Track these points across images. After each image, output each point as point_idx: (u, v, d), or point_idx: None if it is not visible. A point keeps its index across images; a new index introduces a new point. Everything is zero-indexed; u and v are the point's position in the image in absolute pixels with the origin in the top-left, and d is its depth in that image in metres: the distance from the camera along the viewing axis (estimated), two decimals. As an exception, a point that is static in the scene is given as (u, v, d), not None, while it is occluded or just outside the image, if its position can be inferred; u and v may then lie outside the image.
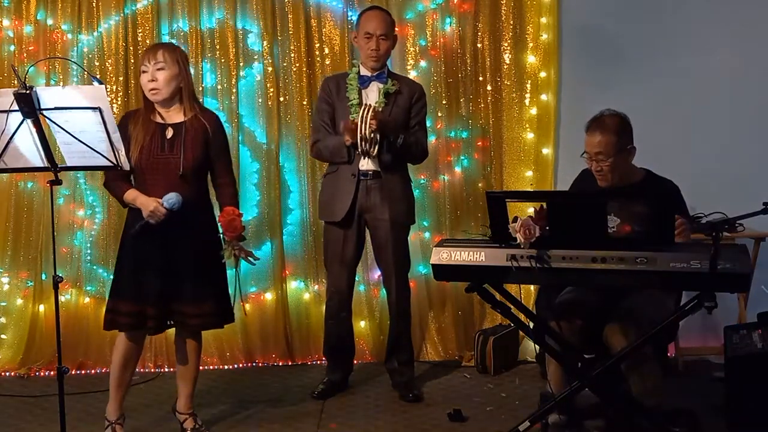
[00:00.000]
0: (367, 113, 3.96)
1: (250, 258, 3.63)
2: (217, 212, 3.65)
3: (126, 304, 3.49)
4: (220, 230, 3.56)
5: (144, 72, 3.50)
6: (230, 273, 3.72)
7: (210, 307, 3.57)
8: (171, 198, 3.39)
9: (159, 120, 3.55)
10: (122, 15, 4.82)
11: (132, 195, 3.48)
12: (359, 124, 3.96)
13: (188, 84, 3.57)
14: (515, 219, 3.11)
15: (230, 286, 3.68)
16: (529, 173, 4.91)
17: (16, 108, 2.92)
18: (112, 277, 3.73)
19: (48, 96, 2.95)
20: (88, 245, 4.87)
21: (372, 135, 3.98)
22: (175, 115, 3.56)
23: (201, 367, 4.76)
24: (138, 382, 4.50)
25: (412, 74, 4.83)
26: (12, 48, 4.84)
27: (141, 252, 3.50)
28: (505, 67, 4.89)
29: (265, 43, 4.88)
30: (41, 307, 4.85)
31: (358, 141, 3.99)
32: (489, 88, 4.89)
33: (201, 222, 3.59)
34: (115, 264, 3.64)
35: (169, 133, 3.52)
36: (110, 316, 3.54)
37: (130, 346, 3.59)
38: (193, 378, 3.74)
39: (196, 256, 3.53)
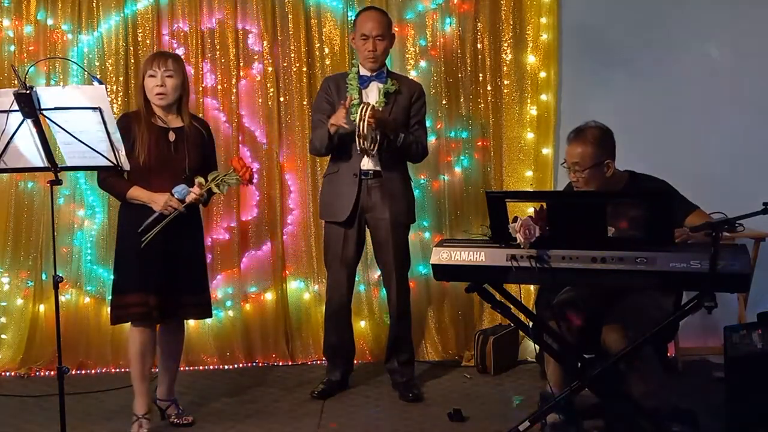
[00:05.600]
0: (366, 111, 3.97)
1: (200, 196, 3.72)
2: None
3: (134, 296, 3.66)
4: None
5: (152, 76, 3.70)
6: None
7: (206, 297, 3.88)
8: (183, 190, 3.64)
9: (160, 124, 3.76)
10: (122, 15, 4.83)
11: (136, 192, 3.67)
12: (357, 122, 3.98)
13: (188, 93, 3.86)
14: (515, 219, 3.10)
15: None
16: (529, 173, 4.91)
17: (16, 108, 2.92)
18: (113, 275, 3.85)
19: (48, 96, 2.95)
20: (88, 245, 4.87)
21: (372, 134, 4.00)
22: (174, 120, 3.79)
23: (201, 367, 4.82)
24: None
25: (412, 74, 4.83)
26: (12, 48, 4.84)
27: (145, 246, 3.63)
28: (505, 67, 4.90)
29: (265, 43, 4.88)
30: (41, 307, 4.86)
31: (357, 139, 4.01)
32: (489, 88, 4.89)
33: (196, 218, 3.85)
34: (116, 260, 3.79)
35: (172, 136, 3.75)
36: (117, 311, 3.71)
37: (144, 336, 3.72)
38: (176, 367, 3.96)
39: (194, 249, 3.81)
